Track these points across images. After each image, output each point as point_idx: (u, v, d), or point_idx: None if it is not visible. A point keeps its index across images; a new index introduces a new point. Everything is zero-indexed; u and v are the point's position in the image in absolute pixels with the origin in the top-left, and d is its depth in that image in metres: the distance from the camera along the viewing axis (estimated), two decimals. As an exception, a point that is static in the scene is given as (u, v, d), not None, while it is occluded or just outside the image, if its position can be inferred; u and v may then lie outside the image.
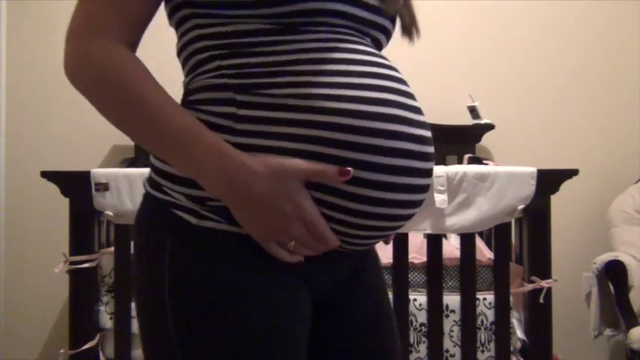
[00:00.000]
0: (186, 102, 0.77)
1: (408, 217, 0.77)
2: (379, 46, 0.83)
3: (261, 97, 0.71)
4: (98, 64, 0.72)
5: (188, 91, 0.78)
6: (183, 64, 0.80)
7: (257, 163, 0.68)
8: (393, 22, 0.84)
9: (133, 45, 0.75)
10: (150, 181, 0.79)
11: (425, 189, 0.77)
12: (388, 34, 0.84)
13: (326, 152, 0.69)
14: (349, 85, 0.71)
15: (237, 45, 0.73)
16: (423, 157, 0.75)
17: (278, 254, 0.71)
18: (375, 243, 0.82)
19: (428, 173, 0.76)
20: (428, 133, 0.76)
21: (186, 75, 0.79)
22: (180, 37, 0.79)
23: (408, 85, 0.77)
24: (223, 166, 0.68)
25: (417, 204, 0.77)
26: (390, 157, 0.71)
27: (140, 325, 0.79)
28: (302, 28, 0.73)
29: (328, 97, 0.70)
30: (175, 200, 0.74)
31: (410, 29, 0.86)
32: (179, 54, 0.80)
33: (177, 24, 0.79)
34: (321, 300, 0.82)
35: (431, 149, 0.77)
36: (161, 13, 0.80)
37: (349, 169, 0.68)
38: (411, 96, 0.76)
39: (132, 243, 0.84)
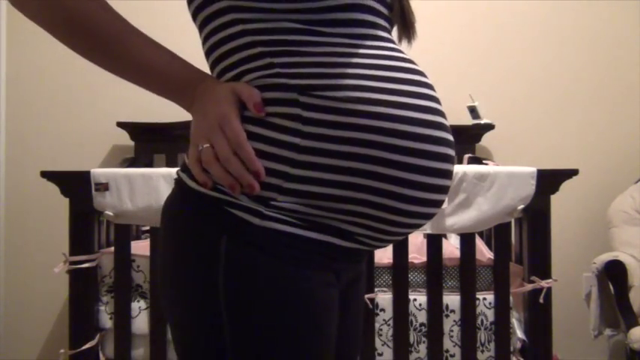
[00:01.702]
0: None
1: (432, 215, 0.80)
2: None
3: (324, 100, 0.71)
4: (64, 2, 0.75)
5: None
6: (219, 60, 0.78)
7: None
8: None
9: None
10: (193, 177, 0.77)
11: (447, 190, 0.81)
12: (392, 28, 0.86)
13: (391, 158, 0.72)
14: (406, 93, 0.75)
15: (288, 42, 0.73)
16: (451, 160, 0.80)
17: (191, 163, 0.75)
18: (398, 240, 0.85)
19: (451, 175, 0.81)
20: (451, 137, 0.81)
21: (226, 71, 0.78)
22: (213, 33, 0.77)
23: (434, 90, 0.81)
24: (196, 72, 0.78)
25: (440, 203, 0.80)
26: (435, 160, 0.75)
27: (175, 322, 0.78)
28: (337, 29, 0.75)
29: (393, 105, 0.73)
30: (233, 199, 0.73)
31: (408, 29, 0.88)
32: (212, 49, 0.79)
33: (208, 18, 0.77)
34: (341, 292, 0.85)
35: (453, 152, 0.81)
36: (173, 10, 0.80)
37: (263, 112, 0.73)
38: (439, 101, 0.80)
39: (160, 241, 0.83)
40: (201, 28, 0.80)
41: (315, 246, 0.74)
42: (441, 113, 0.78)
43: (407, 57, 0.80)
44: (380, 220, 0.75)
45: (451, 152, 0.79)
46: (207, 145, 0.73)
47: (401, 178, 0.73)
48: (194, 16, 0.81)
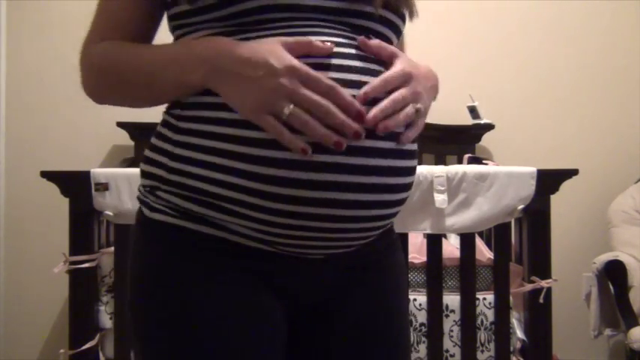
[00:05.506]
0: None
1: (359, 229, 0.74)
2: (368, 33, 0.78)
3: (200, 97, 0.74)
4: (87, 57, 0.81)
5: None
6: None
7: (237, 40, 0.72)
8: (390, 9, 0.80)
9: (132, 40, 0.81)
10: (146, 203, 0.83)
11: (369, 205, 0.73)
12: (379, 20, 0.79)
13: (251, 153, 0.69)
14: None
15: None
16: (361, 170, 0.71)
17: (278, 132, 0.66)
18: (331, 247, 0.77)
19: (367, 188, 0.72)
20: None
21: None
22: None
23: (368, 73, 0.73)
24: (207, 44, 0.71)
25: (366, 219, 0.73)
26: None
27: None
28: (263, 26, 0.73)
29: None
30: (139, 194, 0.80)
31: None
32: None
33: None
34: (308, 304, 0.81)
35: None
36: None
37: (332, 45, 0.70)
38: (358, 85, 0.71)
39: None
40: None
41: (210, 242, 0.74)
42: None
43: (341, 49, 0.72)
44: (263, 222, 0.71)
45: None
46: (292, 105, 0.66)
47: (268, 175, 0.68)
48: None
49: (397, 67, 0.73)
